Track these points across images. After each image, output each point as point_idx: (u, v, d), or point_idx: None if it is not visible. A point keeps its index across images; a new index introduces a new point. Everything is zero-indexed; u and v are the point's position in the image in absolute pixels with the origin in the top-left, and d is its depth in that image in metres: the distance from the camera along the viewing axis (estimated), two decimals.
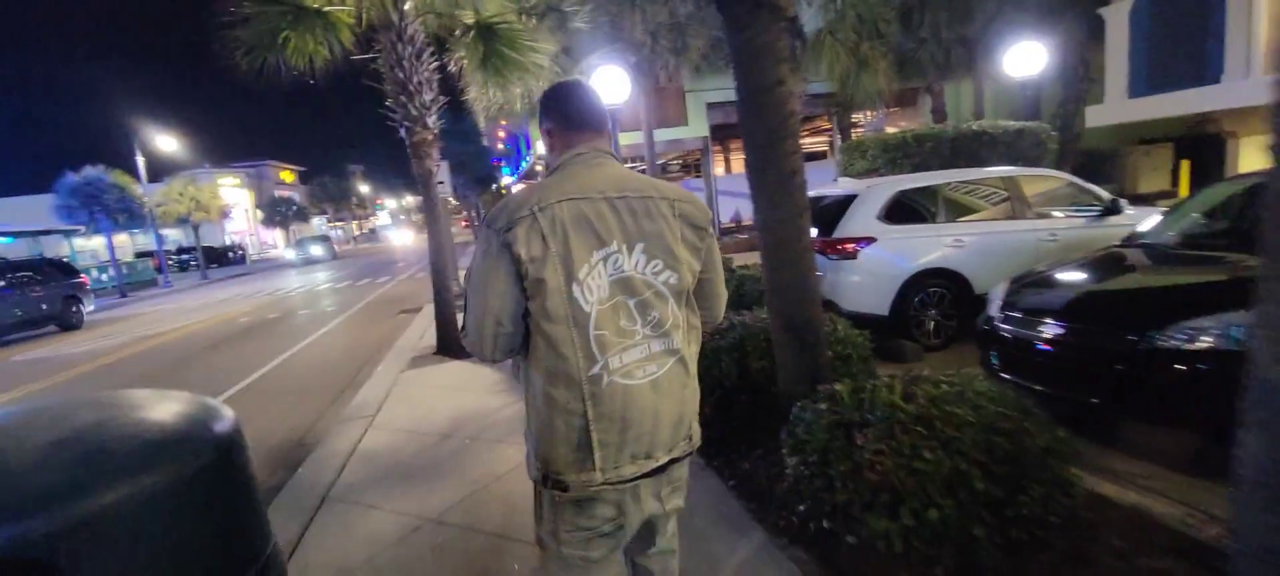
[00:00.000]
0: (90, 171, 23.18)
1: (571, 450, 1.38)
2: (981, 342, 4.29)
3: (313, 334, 10.52)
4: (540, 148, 18.59)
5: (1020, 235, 5.96)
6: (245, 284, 24.78)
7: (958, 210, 6.11)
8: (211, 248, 39.59)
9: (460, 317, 1.67)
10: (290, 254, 37.79)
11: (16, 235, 28.53)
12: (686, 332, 1.48)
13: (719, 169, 21.18)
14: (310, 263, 34.24)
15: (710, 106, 17.75)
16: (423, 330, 8.62)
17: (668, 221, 1.42)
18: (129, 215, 24.17)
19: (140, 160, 27.15)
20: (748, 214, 21.77)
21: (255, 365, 8.30)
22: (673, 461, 1.47)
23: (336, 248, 40.18)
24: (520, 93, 10.28)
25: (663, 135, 15.84)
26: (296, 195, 60.14)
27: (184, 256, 38.75)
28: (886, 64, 13.38)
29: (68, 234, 27.08)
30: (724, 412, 3.77)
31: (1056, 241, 5.95)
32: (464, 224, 32.17)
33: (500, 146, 31.45)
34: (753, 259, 7.66)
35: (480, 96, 9.82)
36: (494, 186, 35.18)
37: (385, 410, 5.36)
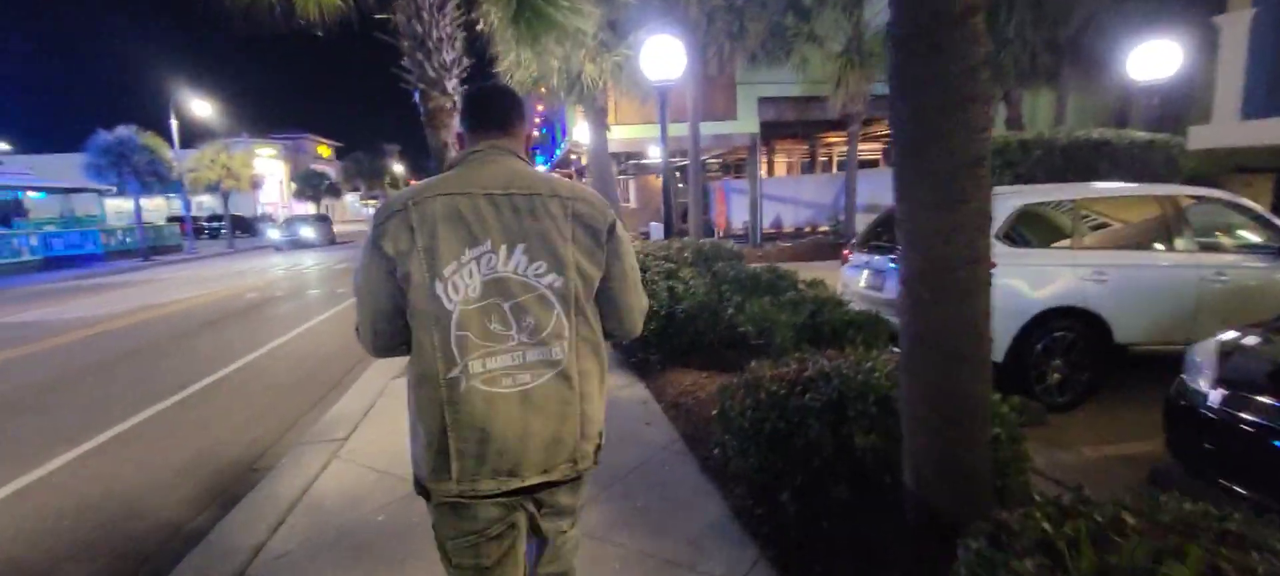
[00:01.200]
0: (122, 131, 22.85)
1: (432, 456, 1.31)
2: (1176, 425, 3.03)
3: (314, 318, 9.59)
4: (576, 133, 17.56)
5: (1179, 271, 4.66)
6: (268, 256, 24.25)
7: (1097, 233, 4.82)
8: (242, 217, 39.59)
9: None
10: (274, 234, 29.40)
11: (49, 191, 28.60)
12: (575, 344, 1.35)
13: (763, 170, 19.87)
14: (299, 247, 27.13)
15: (762, 102, 16.36)
16: None
17: (556, 221, 1.33)
18: (157, 178, 23.83)
19: (174, 124, 26.90)
20: (791, 219, 20.51)
21: (241, 351, 7.36)
22: (549, 485, 1.37)
23: (338, 231, 32.80)
24: (557, 64, 9.25)
25: (709, 129, 14.58)
26: (331, 170, 60.29)
27: (214, 224, 38.70)
28: None
29: (100, 194, 26.97)
30: (809, 501, 2.60)
31: (1225, 283, 4.64)
32: None
33: (535, 133, 30.56)
34: (817, 270, 6.50)
35: (512, 67, 8.78)
36: None
37: (360, 433, 4.29)
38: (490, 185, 1.32)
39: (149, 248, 24.69)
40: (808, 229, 19.99)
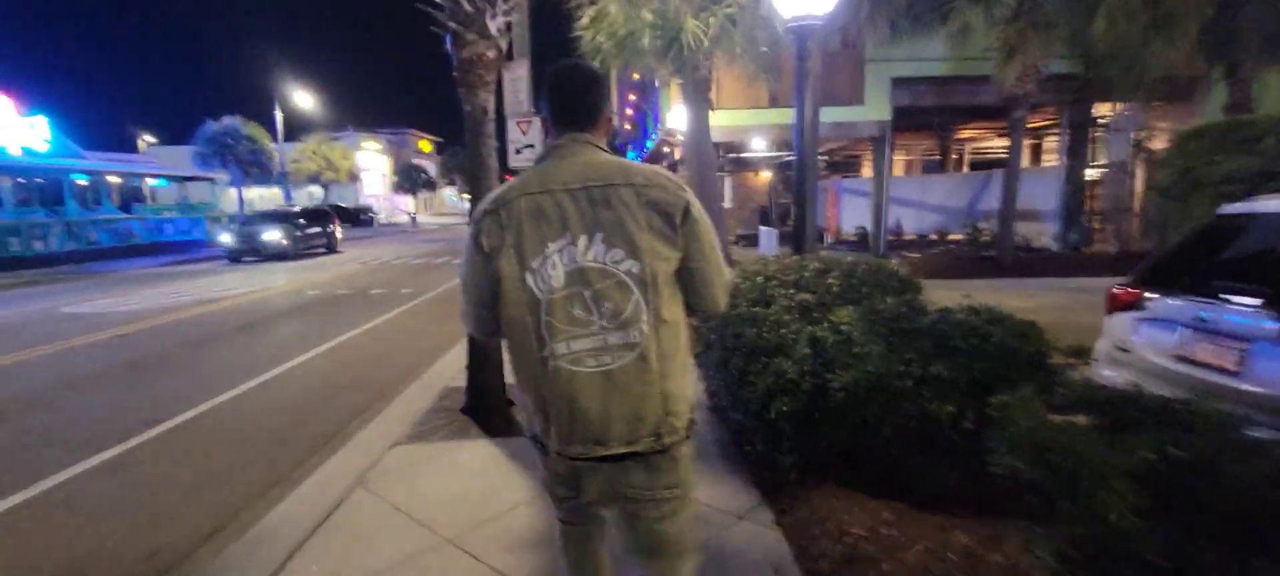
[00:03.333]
0: (227, 121, 23.43)
1: (540, 418, 1.46)
2: None
3: (351, 330, 8.17)
4: (670, 118, 15.40)
5: None
6: (353, 248, 24.04)
7: None
8: (343, 208, 40.71)
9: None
10: (226, 239, 19.71)
11: (169, 179, 30.19)
12: (654, 326, 1.40)
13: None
14: (253, 257, 18.65)
15: (896, 84, 13.56)
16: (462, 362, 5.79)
17: (630, 209, 1.38)
18: (258, 168, 24.31)
19: (278, 116, 27.53)
20: (913, 225, 17.51)
21: (237, 377, 5.92)
22: (633, 455, 1.43)
23: (430, 222, 25.55)
24: (650, 18, 7.32)
25: (829, 116, 12.08)
26: (431, 165, 61.96)
27: None
28: (1192, 27, 8.91)
29: (212, 182, 28.10)
30: None
31: None
32: None
33: (627, 126, 28.88)
34: (964, 291, 4.13)
35: (595, 24, 6.94)
36: None
37: (310, 552, 2.51)
38: (569, 180, 1.40)
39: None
40: (933, 236, 17.00)
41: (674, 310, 1.43)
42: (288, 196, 30.70)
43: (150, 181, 26.14)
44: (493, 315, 1.47)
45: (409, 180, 50.95)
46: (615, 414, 1.38)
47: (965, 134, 19.45)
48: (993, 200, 14.51)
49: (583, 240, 1.36)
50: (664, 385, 1.41)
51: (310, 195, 41.41)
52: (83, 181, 25.64)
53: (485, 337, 1.56)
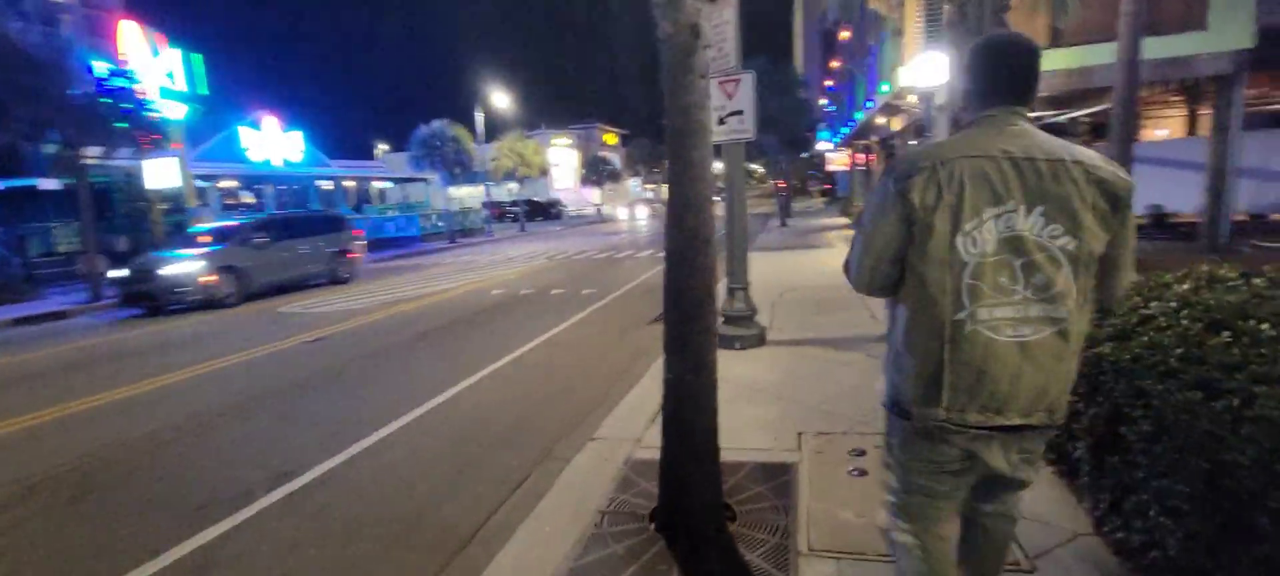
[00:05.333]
0: (436, 124, 25.08)
1: (921, 385, 1.46)
2: None
3: (521, 347, 7.10)
4: (903, 76, 12.28)
5: None
6: (546, 241, 24.39)
7: None
8: (536, 202, 42.76)
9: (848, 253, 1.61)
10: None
11: (396, 181, 33.62)
12: (1078, 304, 1.40)
13: (1154, 131, 12.33)
14: (143, 306, 11.09)
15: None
16: (651, 409, 4.14)
17: (1078, 186, 1.36)
18: (461, 167, 25.78)
19: (479, 116, 29.08)
20: (1245, 201, 12.59)
21: (375, 419, 4.98)
22: (1028, 427, 1.44)
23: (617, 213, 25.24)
24: None
25: (1158, 49, 8.54)
26: (616, 157, 63.33)
27: (515, 209, 42.44)
28: None
29: (426, 182, 30.75)
30: None
31: None
32: (781, 185, 25.10)
33: (822, 102, 25.86)
34: None
35: None
36: (805, 153, 29.81)
37: None
38: (1013, 150, 1.38)
39: (455, 231, 26.96)
40: (1242, 216, 12.08)
41: (1091, 293, 1.44)
42: (486, 194, 32.64)
43: (377, 183, 29.29)
44: (892, 271, 1.49)
45: (595, 172, 52.32)
46: (1024, 386, 1.39)
47: None
48: None
49: (1022, 210, 1.36)
50: (1072, 365, 1.43)
51: (509, 191, 44.25)
52: (327, 185, 29.44)
53: (874, 292, 1.57)
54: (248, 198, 27.08)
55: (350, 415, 4.86)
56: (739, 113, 5.49)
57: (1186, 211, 12.46)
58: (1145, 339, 2.28)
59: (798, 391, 4.45)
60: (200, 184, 22.43)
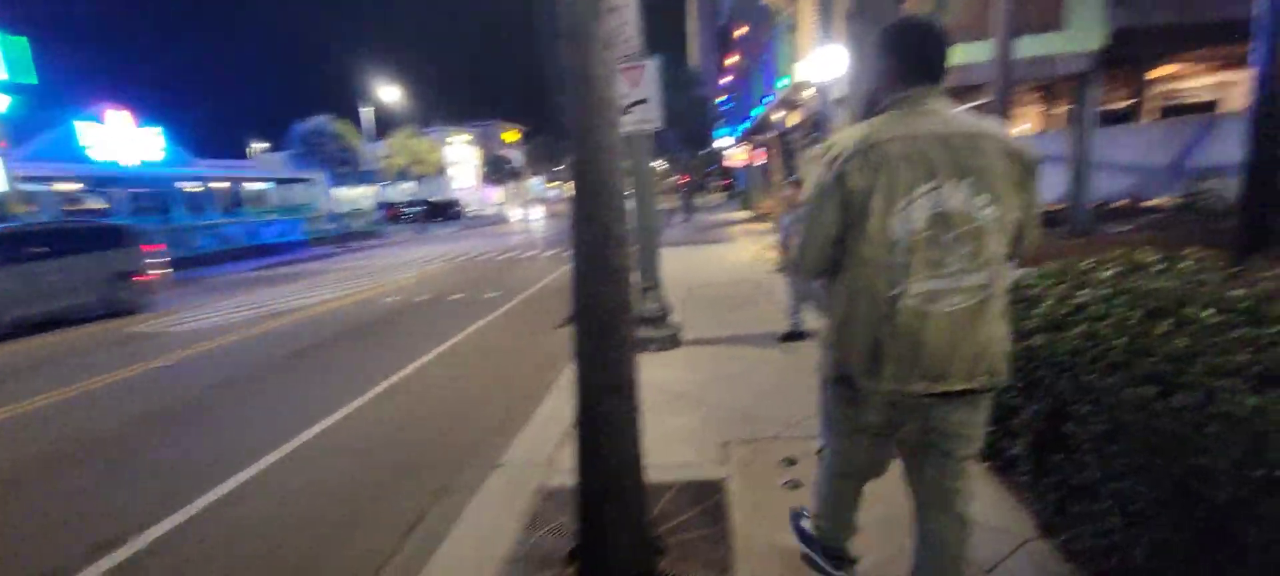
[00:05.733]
0: (315, 120, 23.12)
1: (865, 359, 1.53)
2: None
3: (416, 361, 6.47)
4: (800, 70, 12.52)
5: None
6: (444, 243, 23.13)
7: None
8: (434, 202, 40.70)
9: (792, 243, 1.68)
10: None
11: (277, 182, 30.78)
12: (1001, 270, 1.48)
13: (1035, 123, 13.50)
14: None
15: (1115, 2, 10.04)
16: (562, 426, 3.72)
17: (996, 158, 1.44)
18: (348, 166, 23.95)
19: (365, 112, 27.19)
20: (1101, 189, 13.93)
21: (230, 461, 4.27)
22: (970, 392, 1.51)
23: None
24: None
25: (1027, 48, 9.11)
26: (517, 155, 61.65)
27: (411, 210, 40.17)
28: None
29: (309, 183, 28.30)
30: None
31: None
32: (684, 180, 25.02)
33: (720, 99, 26.27)
34: None
35: None
36: (704, 150, 30.21)
37: None
38: (936, 128, 1.46)
39: (342, 235, 25.00)
40: (1122, 203, 13.54)
41: (1009, 255, 1.51)
42: (379, 194, 30.62)
43: (253, 185, 26.58)
44: (833, 253, 1.56)
45: (496, 171, 50.69)
46: (961, 352, 1.46)
47: (1158, 74, 15.48)
48: (1214, 153, 11.20)
49: (949, 185, 1.42)
50: (1002, 326, 1.51)
51: (405, 192, 41.78)
52: (193, 187, 26.43)
53: (818, 276, 1.63)
54: (96, 202, 23.77)
55: (200, 457, 4.09)
56: (644, 101, 5.19)
57: (1050, 200, 13.63)
58: (1082, 328, 2.17)
59: (719, 395, 4.21)
60: (31, 188, 19.36)
